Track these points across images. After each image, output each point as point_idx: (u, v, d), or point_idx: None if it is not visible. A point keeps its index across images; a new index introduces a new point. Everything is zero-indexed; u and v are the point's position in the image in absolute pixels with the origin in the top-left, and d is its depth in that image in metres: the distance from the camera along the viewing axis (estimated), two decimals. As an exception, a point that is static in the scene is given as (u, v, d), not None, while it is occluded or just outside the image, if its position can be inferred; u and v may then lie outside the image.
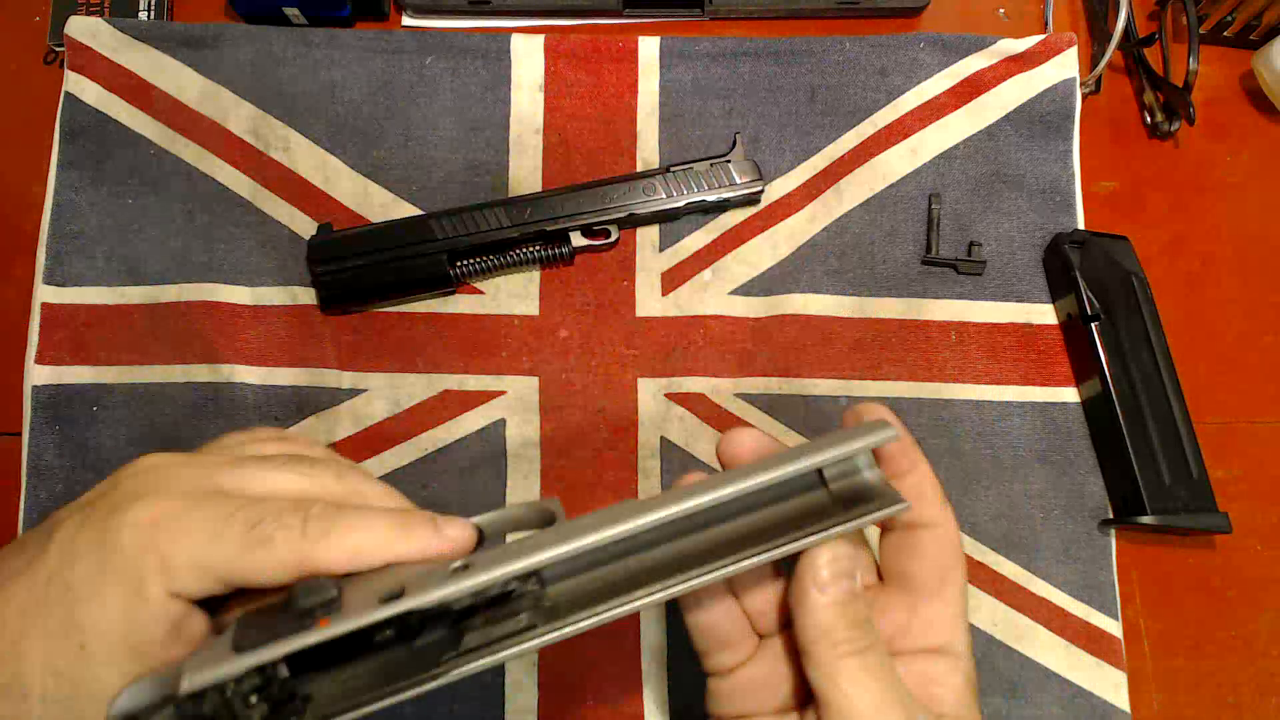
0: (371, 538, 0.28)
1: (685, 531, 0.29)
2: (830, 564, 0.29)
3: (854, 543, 0.30)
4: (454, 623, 0.27)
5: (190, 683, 0.24)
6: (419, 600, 0.25)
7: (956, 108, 0.54)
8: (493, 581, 0.26)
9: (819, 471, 0.29)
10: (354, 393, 0.51)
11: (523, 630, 0.27)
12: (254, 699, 0.25)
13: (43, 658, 0.27)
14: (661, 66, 0.55)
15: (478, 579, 0.25)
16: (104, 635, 0.26)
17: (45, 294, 0.51)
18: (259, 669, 0.25)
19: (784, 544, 0.28)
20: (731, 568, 0.27)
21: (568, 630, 0.26)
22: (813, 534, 0.28)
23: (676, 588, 0.27)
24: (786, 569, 0.31)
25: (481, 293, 0.52)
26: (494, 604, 0.27)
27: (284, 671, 0.25)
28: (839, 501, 0.29)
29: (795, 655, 0.32)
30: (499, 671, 0.48)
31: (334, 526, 0.28)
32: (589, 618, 0.27)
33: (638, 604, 0.27)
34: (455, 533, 0.30)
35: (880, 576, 0.33)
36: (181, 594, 0.27)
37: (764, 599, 0.34)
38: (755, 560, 0.27)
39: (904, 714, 0.29)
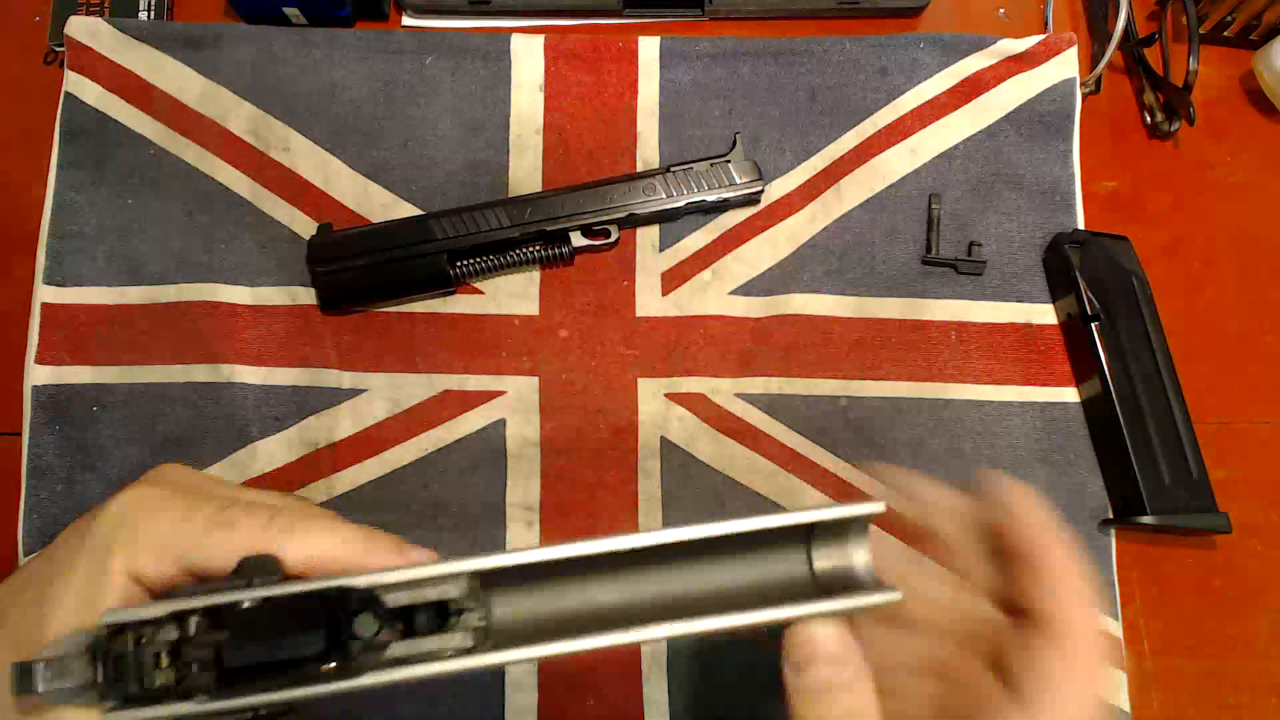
0: (333, 543, 0.28)
1: (649, 570, 0.28)
2: (803, 645, 0.26)
3: (844, 631, 0.26)
4: (396, 635, 0.26)
5: (108, 617, 0.25)
6: (339, 581, 0.25)
7: (956, 108, 0.54)
8: (411, 579, 0.25)
9: (808, 552, 0.27)
10: (354, 393, 0.51)
11: (455, 651, 0.26)
12: (165, 659, 0.25)
13: (14, 629, 0.27)
14: (661, 66, 0.55)
15: (399, 575, 0.25)
16: (63, 604, 0.27)
17: (45, 294, 0.51)
18: (178, 624, 0.25)
19: (738, 614, 0.26)
20: (681, 628, 0.25)
21: (497, 659, 0.25)
22: (769, 610, 0.26)
23: (624, 636, 0.25)
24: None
25: (481, 293, 0.52)
26: (437, 618, 0.26)
27: (197, 628, 0.25)
28: (820, 586, 0.27)
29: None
30: (499, 671, 0.48)
31: (299, 526, 0.28)
32: (525, 649, 0.25)
33: (577, 646, 0.25)
34: (418, 556, 0.29)
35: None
36: (142, 578, 0.27)
37: None
38: (703, 626, 0.26)
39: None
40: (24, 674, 0.24)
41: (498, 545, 0.49)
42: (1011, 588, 0.29)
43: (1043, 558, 0.28)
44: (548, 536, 0.49)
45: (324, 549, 0.28)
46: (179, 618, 0.25)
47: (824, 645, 0.26)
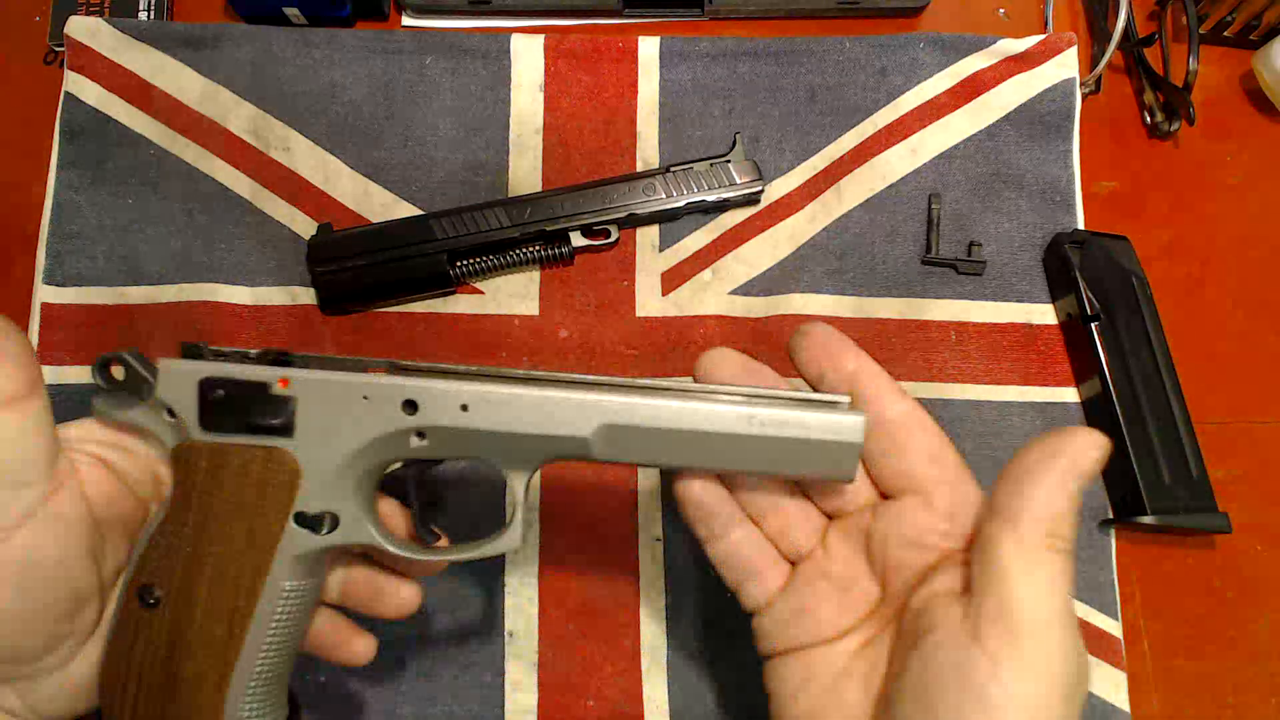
0: None
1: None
2: (1093, 451, 0.29)
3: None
4: None
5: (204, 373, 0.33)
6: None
7: (956, 108, 0.54)
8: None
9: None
10: (354, 393, 0.51)
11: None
12: (169, 415, 0.33)
13: None
14: (661, 66, 0.55)
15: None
16: None
17: (45, 294, 0.51)
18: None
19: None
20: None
21: None
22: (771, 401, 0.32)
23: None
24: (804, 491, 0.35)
25: (481, 293, 0.52)
26: None
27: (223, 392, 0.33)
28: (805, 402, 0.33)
29: (834, 579, 0.35)
30: (499, 671, 0.48)
31: None
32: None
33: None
34: None
35: (882, 495, 0.34)
36: None
37: (783, 520, 0.35)
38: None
39: (1072, 627, 0.29)
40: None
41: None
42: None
43: (859, 365, 0.34)
44: (547, 536, 0.49)
45: None
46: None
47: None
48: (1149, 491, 0.48)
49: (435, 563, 0.37)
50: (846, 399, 0.33)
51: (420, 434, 0.33)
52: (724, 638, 0.49)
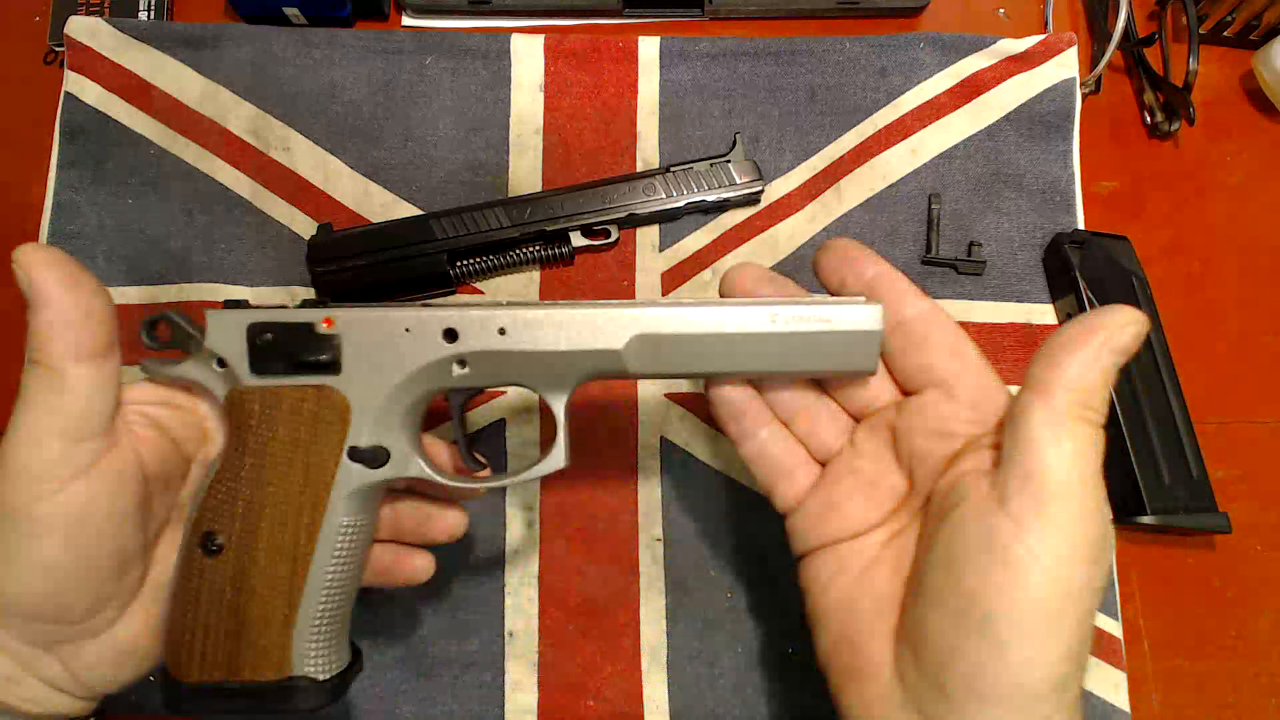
0: None
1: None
2: (1130, 327, 0.30)
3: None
4: None
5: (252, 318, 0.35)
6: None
7: (956, 108, 0.54)
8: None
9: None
10: (354, 393, 0.51)
11: None
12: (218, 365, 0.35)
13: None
14: (661, 66, 0.55)
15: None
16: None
17: (45, 294, 0.51)
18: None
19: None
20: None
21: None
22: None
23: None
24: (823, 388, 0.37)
25: (481, 293, 0.52)
26: None
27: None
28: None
29: (862, 474, 0.36)
30: (499, 671, 0.48)
31: None
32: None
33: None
34: None
35: (905, 393, 0.36)
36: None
37: (810, 421, 0.37)
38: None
39: (1099, 493, 0.30)
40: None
41: (497, 546, 0.49)
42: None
43: (878, 269, 0.35)
44: (547, 536, 0.49)
45: None
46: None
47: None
48: (1149, 491, 0.48)
49: (480, 490, 0.39)
50: (863, 298, 0.35)
51: (461, 362, 0.35)
52: (724, 638, 0.49)
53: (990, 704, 0.29)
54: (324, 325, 0.34)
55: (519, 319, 0.34)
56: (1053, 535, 0.29)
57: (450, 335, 0.35)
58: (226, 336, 0.34)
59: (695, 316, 0.34)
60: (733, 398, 0.37)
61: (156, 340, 0.35)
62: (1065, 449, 0.29)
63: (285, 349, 0.34)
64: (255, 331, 0.34)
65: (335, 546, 0.35)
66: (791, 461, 0.38)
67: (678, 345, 0.35)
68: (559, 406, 0.36)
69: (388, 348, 0.34)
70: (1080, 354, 0.30)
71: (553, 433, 0.37)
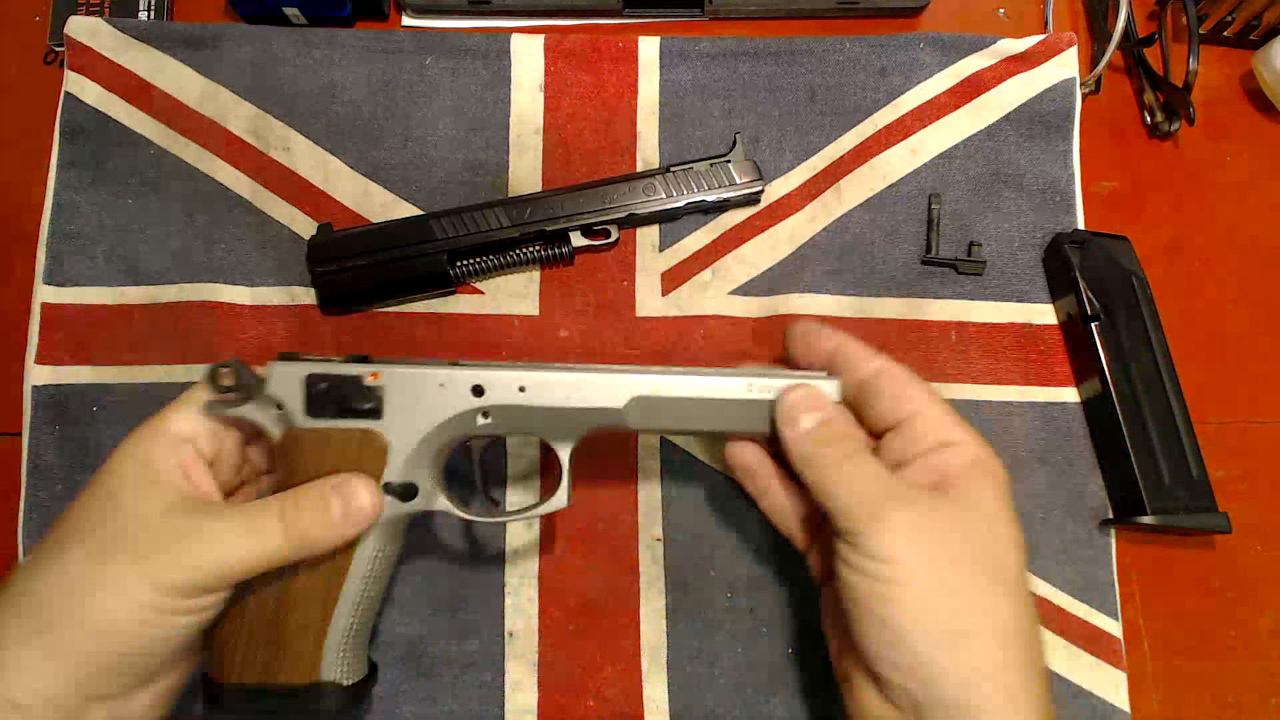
0: None
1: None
2: (792, 407, 0.40)
3: (813, 390, 0.41)
4: None
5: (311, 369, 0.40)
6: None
7: (956, 108, 0.54)
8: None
9: None
10: (354, 393, 0.51)
11: None
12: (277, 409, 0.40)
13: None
14: (661, 66, 0.55)
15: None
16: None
17: (45, 294, 0.51)
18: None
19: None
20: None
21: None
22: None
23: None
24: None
25: (481, 293, 0.52)
26: None
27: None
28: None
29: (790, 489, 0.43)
30: (499, 671, 0.48)
31: None
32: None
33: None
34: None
35: (876, 438, 0.41)
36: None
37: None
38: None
39: (887, 490, 0.37)
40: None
41: (497, 546, 0.50)
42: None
43: (836, 343, 0.42)
44: (547, 536, 0.49)
45: None
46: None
47: (809, 399, 0.40)
48: (1149, 491, 0.48)
49: (496, 523, 0.45)
50: (825, 373, 0.42)
51: (485, 413, 0.41)
52: (724, 638, 0.49)
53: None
54: (370, 378, 0.40)
55: (537, 379, 0.40)
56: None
57: (477, 390, 0.40)
58: (286, 384, 0.39)
59: (685, 383, 0.41)
60: (745, 459, 0.44)
61: (220, 387, 0.39)
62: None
63: (337, 397, 0.39)
64: (313, 381, 0.40)
65: (366, 568, 0.40)
66: (757, 465, 0.44)
67: (670, 407, 0.41)
68: (564, 454, 0.42)
69: (423, 399, 0.40)
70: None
71: (555, 472, 0.43)
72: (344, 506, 0.38)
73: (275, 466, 0.41)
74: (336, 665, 0.39)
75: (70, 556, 0.35)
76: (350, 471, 0.39)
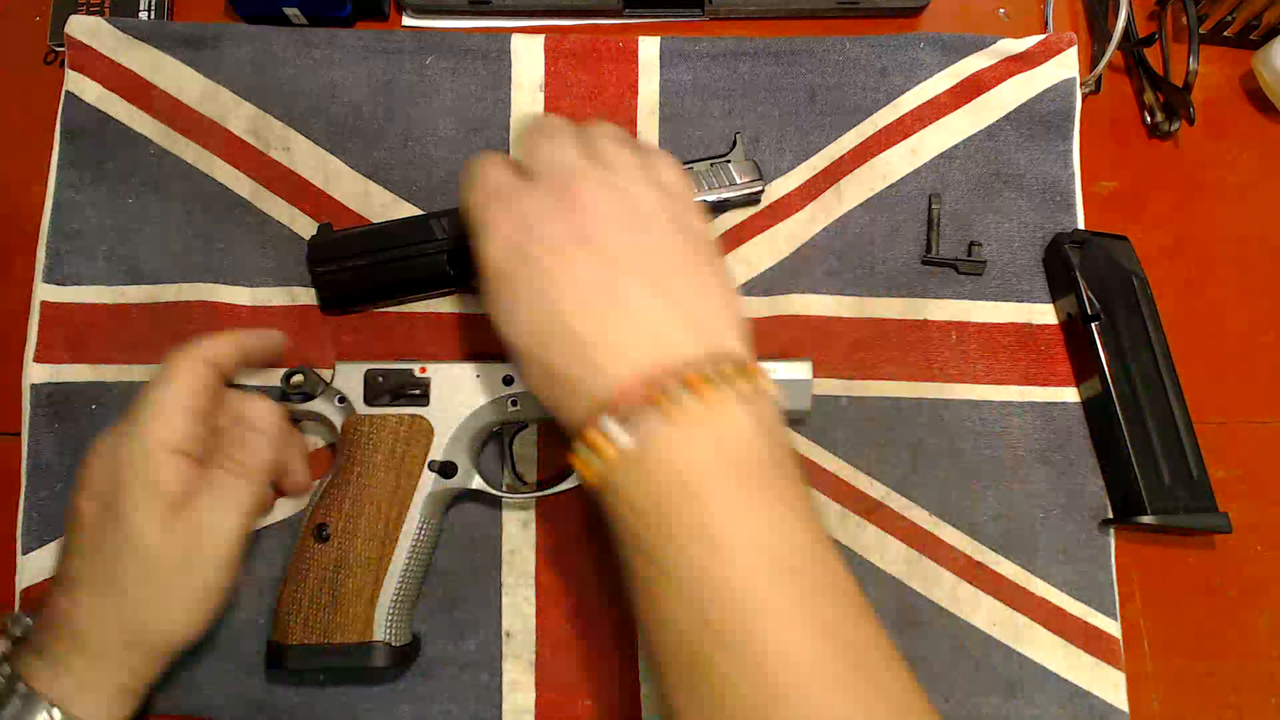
0: None
1: None
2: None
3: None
4: None
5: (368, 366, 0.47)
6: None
7: (956, 108, 0.54)
8: None
9: None
10: (354, 392, 0.51)
11: None
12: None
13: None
14: (661, 66, 0.55)
15: None
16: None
17: (45, 293, 0.51)
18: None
19: None
20: None
21: None
22: None
23: None
24: None
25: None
26: None
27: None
28: None
29: None
30: (497, 670, 0.48)
31: None
32: None
33: None
34: None
35: None
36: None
37: None
38: None
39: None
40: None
41: (494, 546, 0.49)
42: None
43: None
44: (544, 535, 0.49)
45: None
46: None
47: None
48: (1149, 491, 0.48)
49: (522, 499, 0.49)
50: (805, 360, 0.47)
51: (514, 401, 0.47)
52: None
53: None
54: (419, 372, 0.46)
55: None
56: None
57: (507, 381, 0.46)
58: (349, 380, 0.47)
59: None
60: None
61: (293, 386, 0.47)
62: None
63: (391, 386, 0.46)
64: (371, 375, 0.46)
65: (411, 538, 0.45)
66: None
67: None
68: None
69: (463, 388, 0.46)
70: None
71: (558, 461, 0.47)
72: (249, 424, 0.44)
73: (337, 451, 0.47)
74: (386, 627, 0.44)
75: (106, 603, 0.40)
76: (402, 451, 0.46)
